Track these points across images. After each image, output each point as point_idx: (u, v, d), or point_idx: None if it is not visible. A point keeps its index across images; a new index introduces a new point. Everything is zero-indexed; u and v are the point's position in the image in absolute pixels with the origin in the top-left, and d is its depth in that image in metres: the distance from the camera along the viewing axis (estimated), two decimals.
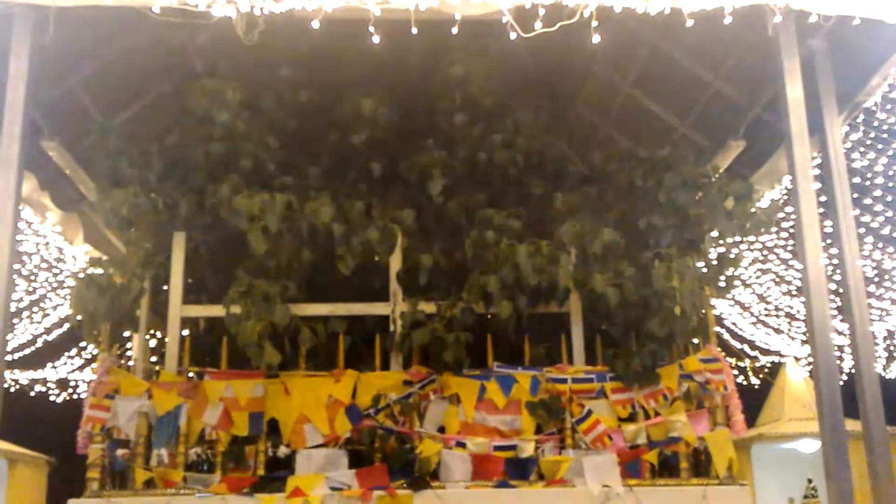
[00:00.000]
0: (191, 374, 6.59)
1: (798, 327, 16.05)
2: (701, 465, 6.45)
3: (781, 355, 17.83)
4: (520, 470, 6.26)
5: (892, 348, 16.25)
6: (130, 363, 6.84)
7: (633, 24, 6.49)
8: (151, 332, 7.23)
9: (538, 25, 5.40)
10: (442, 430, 6.47)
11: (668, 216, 7.12)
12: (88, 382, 6.97)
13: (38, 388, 17.24)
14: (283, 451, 6.30)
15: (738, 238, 7.47)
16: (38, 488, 16.73)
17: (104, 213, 7.13)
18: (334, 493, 6.00)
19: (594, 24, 5.36)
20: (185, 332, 6.97)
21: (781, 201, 8.84)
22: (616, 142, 8.99)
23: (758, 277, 14.53)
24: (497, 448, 6.31)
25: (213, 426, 6.30)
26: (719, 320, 15.60)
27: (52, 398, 17.29)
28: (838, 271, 6.31)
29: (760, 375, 18.22)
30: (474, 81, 7.46)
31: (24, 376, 17.00)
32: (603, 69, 8.49)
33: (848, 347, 8.04)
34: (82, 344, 16.28)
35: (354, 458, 6.31)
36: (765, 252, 13.34)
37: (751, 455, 16.07)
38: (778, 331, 16.51)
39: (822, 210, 6.09)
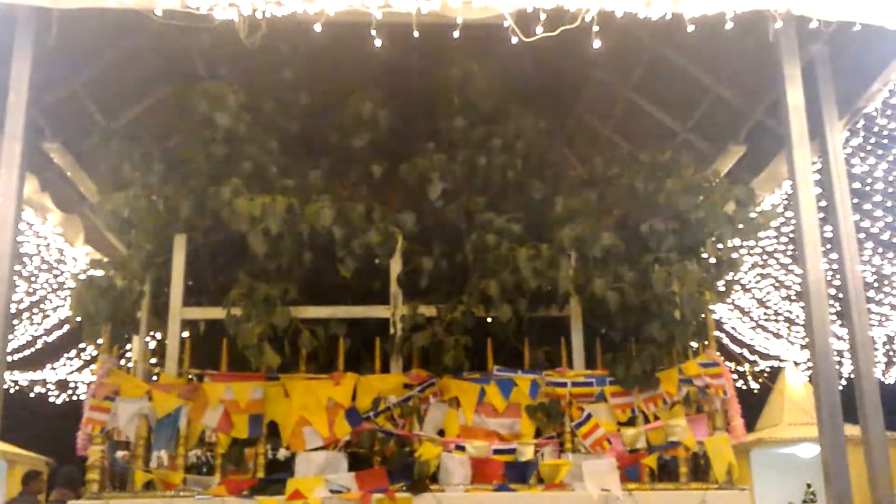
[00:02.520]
0: (191, 377, 6.56)
1: (797, 332, 16.11)
2: (700, 469, 6.43)
3: (781, 360, 17.87)
4: (519, 473, 6.25)
5: (891, 353, 16.29)
6: (130, 365, 6.83)
7: (634, 28, 6.50)
8: (151, 333, 7.22)
9: (539, 30, 5.41)
10: (441, 433, 6.45)
11: (669, 220, 7.11)
12: (88, 384, 6.96)
13: (37, 389, 17.27)
14: (282, 453, 6.28)
15: (737, 242, 7.48)
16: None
17: (105, 215, 7.13)
18: (333, 496, 5.98)
19: (595, 28, 5.37)
20: (186, 334, 6.96)
21: (781, 206, 8.86)
22: (617, 146, 8.99)
23: (757, 282, 14.58)
24: (496, 451, 6.30)
25: (213, 428, 6.28)
26: (719, 325, 15.65)
27: (51, 399, 17.33)
28: (838, 276, 6.32)
29: (760, 380, 18.26)
30: (475, 85, 7.45)
31: (23, 377, 17.03)
32: (604, 73, 8.49)
33: (847, 352, 8.04)
34: (82, 345, 16.31)
35: (354, 460, 6.28)
36: (764, 257, 13.39)
37: (750, 460, 16.12)
38: (777, 335, 16.55)
39: (821, 215, 6.11)
